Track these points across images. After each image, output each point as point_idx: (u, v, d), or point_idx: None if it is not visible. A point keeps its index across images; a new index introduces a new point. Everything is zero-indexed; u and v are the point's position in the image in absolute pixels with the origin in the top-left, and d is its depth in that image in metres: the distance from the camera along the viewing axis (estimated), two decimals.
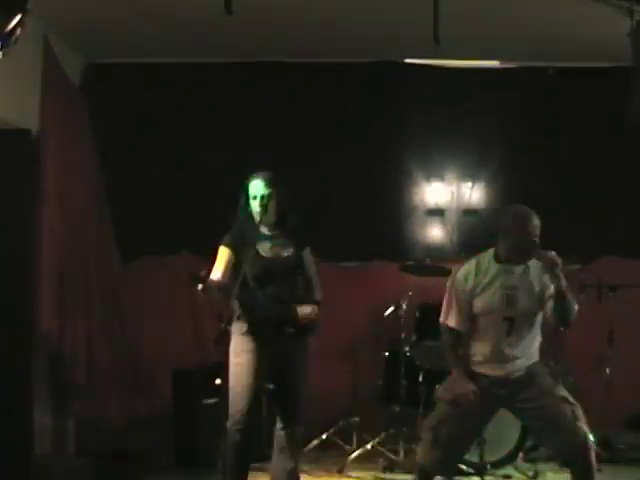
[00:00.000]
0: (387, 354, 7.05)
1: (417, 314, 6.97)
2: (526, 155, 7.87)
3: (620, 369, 7.28)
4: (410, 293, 6.99)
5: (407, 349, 6.83)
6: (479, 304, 4.92)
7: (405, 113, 7.90)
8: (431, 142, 7.97)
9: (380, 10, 6.32)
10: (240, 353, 5.16)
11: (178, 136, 7.76)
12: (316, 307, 5.28)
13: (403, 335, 6.92)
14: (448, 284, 5.09)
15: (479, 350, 5.00)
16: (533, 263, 4.85)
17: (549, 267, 4.66)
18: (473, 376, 4.98)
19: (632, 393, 7.55)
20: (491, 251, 4.96)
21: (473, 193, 8.06)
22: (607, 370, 7.19)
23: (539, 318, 4.94)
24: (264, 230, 5.30)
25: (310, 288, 5.42)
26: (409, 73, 7.92)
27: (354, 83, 7.88)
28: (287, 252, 5.31)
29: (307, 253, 5.43)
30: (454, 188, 8.06)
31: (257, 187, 5.22)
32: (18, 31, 4.65)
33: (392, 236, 7.95)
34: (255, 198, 5.21)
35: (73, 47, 7.28)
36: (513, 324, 4.85)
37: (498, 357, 4.92)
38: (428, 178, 8.07)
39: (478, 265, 4.97)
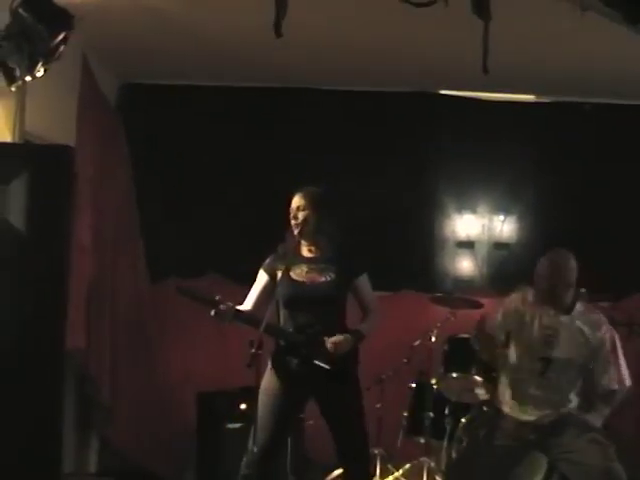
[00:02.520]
0: (414, 385, 7.00)
1: (445, 346, 6.90)
2: (559, 190, 7.82)
3: None
4: (439, 325, 6.94)
5: (434, 381, 6.78)
6: (516, 341, 4.88)
7: (439, 144, 7.90)
8: (464, 174, 7.93)
9: (419, 41, 6.32)
10: (264, 390, 4.89)
11: (212, 157, 7.79)
12: (349, 337, 4.87)
13: (431, 367, 6.88)
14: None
15: (508, 389, 4.96)
16: (579, 312, 4.83)
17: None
18: (503, 417, 4.93)
19: None
20: (532, 290, 4.94)
21: (504, 227, 8.02)
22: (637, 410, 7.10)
23: (581, 369, 4.88)
24: (304, 252, 5.06)
25: (364, 318, 5.10)
26: (444, 104, 7.92)
27: (388, 112, 7.87)
28: (326, 277, 4.93)
29: (362, 280, 5.09)
30: (486, 221, 8.03)
31: (294, 201, 5.01)
32: (61, 48, 4.72)
33: (422, 267, 7.93)
34: (292, 212, 5.00)
35: (110, 66, 7.33)
36: (548, 366, 4.80)
37: (528, 398, 4.87)
38: (460, 210, 8.04)
39: (521, 303, 5.00)
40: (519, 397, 4.91)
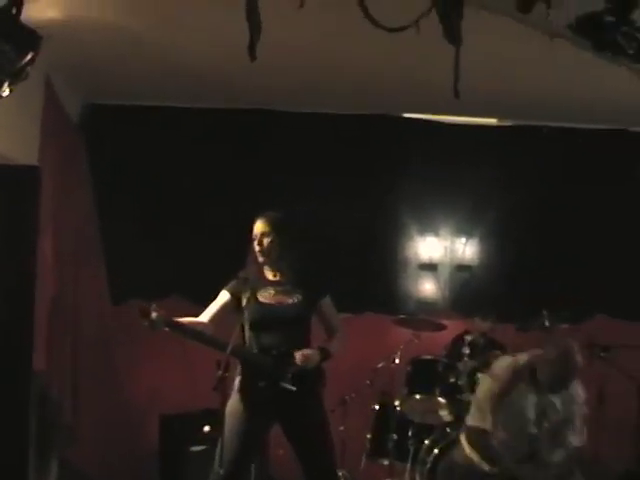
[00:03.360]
0: (377, 407, 7.00)
1: (408, 368, 6.92)
2: (520, 213, 7.89)
3: (610, 429, 7.27)
4: (402, 346, 6.96)
5: (398, 403, 6.79)
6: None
7: (401, 167, 7.94)
8: (426, 197, 8.00)
9: (381, 65, 6.36)
10: (230, 412, 4.82)
11: (175, 179, 7.77)
12: (318, 352, 4.86)
13: (394, 388, 6.89)
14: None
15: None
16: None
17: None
18: None
19: (621, 454, 7.52)
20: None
21: (467, 249, 8.08)
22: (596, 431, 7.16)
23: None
24: (269, 276, 5.05)
25: (329, 339, 5.09)
26: (407, 127, 7.98)
27: (351, 135, 7.90)
28: (293, 299, 4.95)
29: (327, 301, 5.10)
30: (448, 243, 8.09)
31: (257, 226, 4.99)
32: (28, 69, 4.68)
33: (385, 289, 7.97)
34: (255, 238, 4.98)
35: (74, 86, 7.27)
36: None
37: None
38: (422, 232, 8.08)
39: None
40: None
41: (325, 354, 4.95)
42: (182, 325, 4.79)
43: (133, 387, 7.49)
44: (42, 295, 6.27)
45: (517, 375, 5.00)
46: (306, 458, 4.98)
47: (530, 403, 4.97)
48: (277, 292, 4.98)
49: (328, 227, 7.58)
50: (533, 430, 4.94)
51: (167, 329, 4.67)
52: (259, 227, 4.99)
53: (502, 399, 4.97)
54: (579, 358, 4.91)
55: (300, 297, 4.96)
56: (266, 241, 4.95)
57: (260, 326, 4.90)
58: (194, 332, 4.81)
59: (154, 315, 4.60)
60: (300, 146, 7.80)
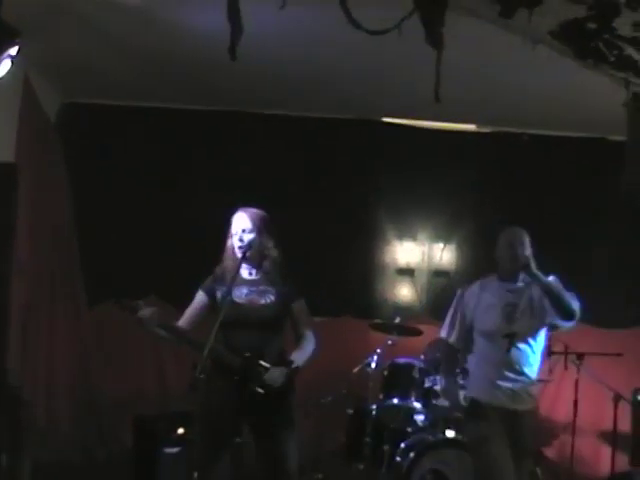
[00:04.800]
0: (352, 412, 6.97)
1: (385, 373, 6.89)
2: (498, 218, 7.89)
3: (583, 437, 7.32)
4: (378, 351, 6.94)
5: (373, 407, 6.76)
6: (481, 321, 4.94)
7: (380, 172, 7.95)
8: (405, 202, 8.00)
9: (363, 69, 6.36)
10: (202, 413, 4.75)
11: (151, 178, 7.74)
12: (285, 370, 4.69)
13: (370, 393, 6.86)
14: (454, 301, 5.12)
15: (481, 370, 4.99)
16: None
17: (522, 269, 4.81)
18: (478, 406, 4.95)
19: (594, 461, 7.55)
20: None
21: (444, 254, 8.08)
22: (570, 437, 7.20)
23: (540, 339, 4.94)
24: (244, 274, 4.87)
25: (300, 346, 4.89)
26: (386, 132, 7.98)
27: (329, 139, 7.90)
28: (266, 300, 4.78)
29: (299, 305, 4.91)
30: (426, 248, 8.09)
31: (238, 222, 4.82)
32: (7, 65, 4.66)
33: (362, 293, 7.97)
34: (236, 234, 4.81)
35: (52, 85, 7.25)
36: (513, 341, 4.85)
37: (499, 377, 4.90)
38: (400, 237, 8.08)
39: (483, 284, 5.05)
40: (491, 377, 4.95)
41: (294, 371, 4.79)
42: (173, 327, 4.73)
43: (107, 389, 7.41)
44: (17, 294, 6.23)
45: None
46: (269, 460, 4.86)
47: None
48: (251, 292, 4.83)
49: (306, 231, 7.54)
50: None
51: (158, 329, 4.61)
52: (241, 223, 4.84)
53: None
54: (524, 240, 4.92)
55: (273, 298, 4.82)
56: (247, 237, 4.79)
57: (233, 326, 4.72)
58: (182, 333, 4.72)
59: (147, 311, 4.56)
60: (278, 148, 7.79)
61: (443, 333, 5.12)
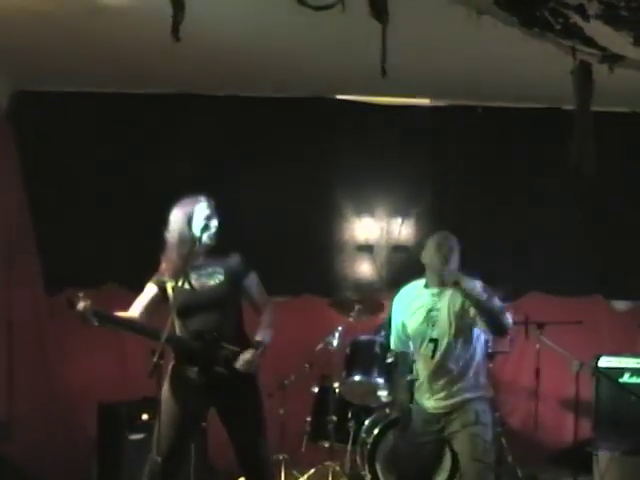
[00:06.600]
0: (316, 390, 6.99)
1: (347, 350, 6.91)
2: (456, 192, 7.93)
3: (546, 405, 7.40)
4: (340, 328, 6.95)
5: (337, 385, 6.78)
6: (410, 327, 4.97)
7: (336, 149, 7.92)
8: (362, 178, 7.99)
9: (316, 46, 6.33)
10: (165, 399, 4.72)
11: (105, 166, 7.66)
12: (253, 352, 4.74)
13: (333, 371, 6.88)
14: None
15: (420, 374, 5.05)
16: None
17: (452, 285, 4.76)
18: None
19: (557, 428, 7.63)
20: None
21: (403, 229, 8.09)
22: (534, 406, 7.28)
23: (468, 342, 4.93)
24: (195, 259, 4.86)
25: (261, 323, 4.93)
26: (341, 109, 7.96)
27: (285, 117, 7.86)
28: (214, 280, 4.84)
29: (251, 279, 4.97)
30: (384, 224, 8.09)
31: (204, 209, 4.84)
32: None
33: (322, 271, 7.95)
34: (209, 219, 4.82)
35: (2, 73, 7.15)
36: (437, 346, 4.87)
37: (431, 379, 4.94)
38: (358, 214, 8.08)
39: (411, 290, 5.10)
40: (425, 381, 5.01)
41: (263, 349, 4.83)
42: (113, 316, 4.70)
43: (69, 377, 7.36)
44: None
45: None
46: (239, 442, 4.90)
47: None
48: (200, 276, 4.86)
49: (263, 210, 7.50)
50: None
51: (97, 323, 4.55)
52: (209, 210, 4.86)
53: None
54: (450, 246, 4.86)
55: (222, 277, 4.86)
56: (212, 223, 4.84)
57: (186, 312, 4.78)
58: (125, 322, 4.74)
59: (81, 305, 4.49)
60: (231, 129, 7.76)
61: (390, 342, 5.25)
